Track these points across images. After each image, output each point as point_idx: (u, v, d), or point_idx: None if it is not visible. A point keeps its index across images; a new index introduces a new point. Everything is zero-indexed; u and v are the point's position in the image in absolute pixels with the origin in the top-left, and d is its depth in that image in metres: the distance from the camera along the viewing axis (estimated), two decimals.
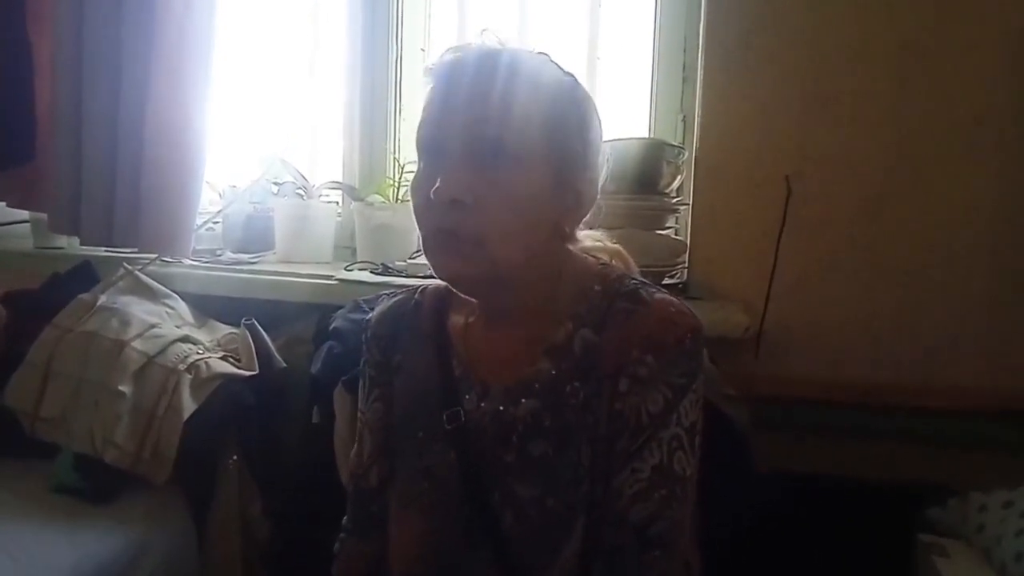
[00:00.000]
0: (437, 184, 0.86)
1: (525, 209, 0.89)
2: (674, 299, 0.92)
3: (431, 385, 0.99)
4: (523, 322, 0.95)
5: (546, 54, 0.94)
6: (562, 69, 0.94)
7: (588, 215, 0.98)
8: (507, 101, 0.87)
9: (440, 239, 0.89)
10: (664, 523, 0.86)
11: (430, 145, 0.91)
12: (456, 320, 1.02)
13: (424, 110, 0.92)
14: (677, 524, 0.87)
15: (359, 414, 1.09)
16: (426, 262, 0.94)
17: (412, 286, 1.11)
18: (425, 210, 0.90)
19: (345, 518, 1.10)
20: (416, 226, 0.92)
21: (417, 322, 1.05)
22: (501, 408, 0.94)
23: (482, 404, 0.95)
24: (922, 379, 1.54)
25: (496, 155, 0.87)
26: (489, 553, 0.92)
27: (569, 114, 0.92)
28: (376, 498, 1.06)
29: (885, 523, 1.42)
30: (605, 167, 0.99)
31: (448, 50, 0.93)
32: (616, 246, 1.09)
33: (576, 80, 0.95)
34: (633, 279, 0.95)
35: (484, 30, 0.94)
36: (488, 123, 0.87)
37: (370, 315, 1.12)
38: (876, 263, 1.56)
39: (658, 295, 0.92)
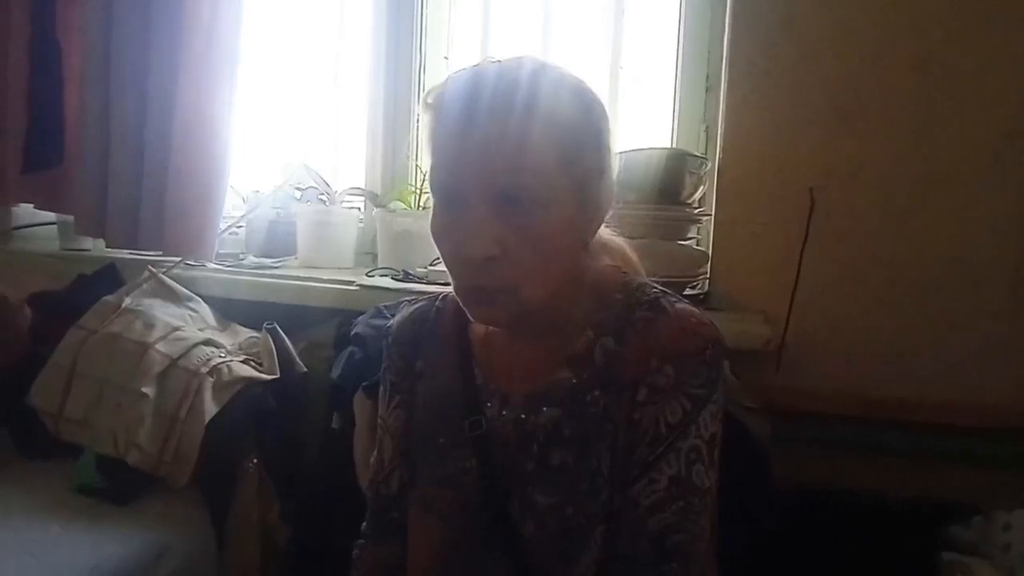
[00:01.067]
0: (463, 239, 0.85)
1: (554, 247, 0.88)
2: (695, 310, 0.91)
3: (453, 392, 1.00)
4: (545, 332, 0.95)
5: (550, 64, 0.90)
6: (566, 81, 0.90)
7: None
8: (525, 147, 0.83)
9: (475, 293, 0.89)
10: (682, 535, 0.85)
11: (448, 193, 0.88)
12: (477, 328, 1.02)
13: (436, 151, 0.89)
14: (695, 537, 0.86)
15: (379, 420, 1.09)
16: (445, 269, 0.93)
17: (433, 293, 1.11)
18: (453, 262, 0.89)
19: (364, 525, 1.10)
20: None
21: (438, 329, 1.05)
22: (522, 416, 0.94)
23: (503, 412, 0.96)
24: (945, 395, 1.52)
25: (521, 204, 0.84)
26: (507, 561, 0.92)
27: (585, 133, 0.89)
28: (396, 504, 1.06)
29: (907, 541, 1.40)
30: (617, 164, 0.97)
31: (448, 79, 0.90)
32: (619, 241, 1.06)
33: (583, 88, 0.91)
34: (654, 287, 0.95)
35: (486, 58, 0.91)
36: (510, 175, 0.84)
37: (390, 322, 1.12)
38: (900, 277, 1.55)
39: (679, 305, 0.91)
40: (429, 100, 0.91)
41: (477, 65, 0.90)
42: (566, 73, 0.91)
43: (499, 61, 0.90)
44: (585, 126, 0.90)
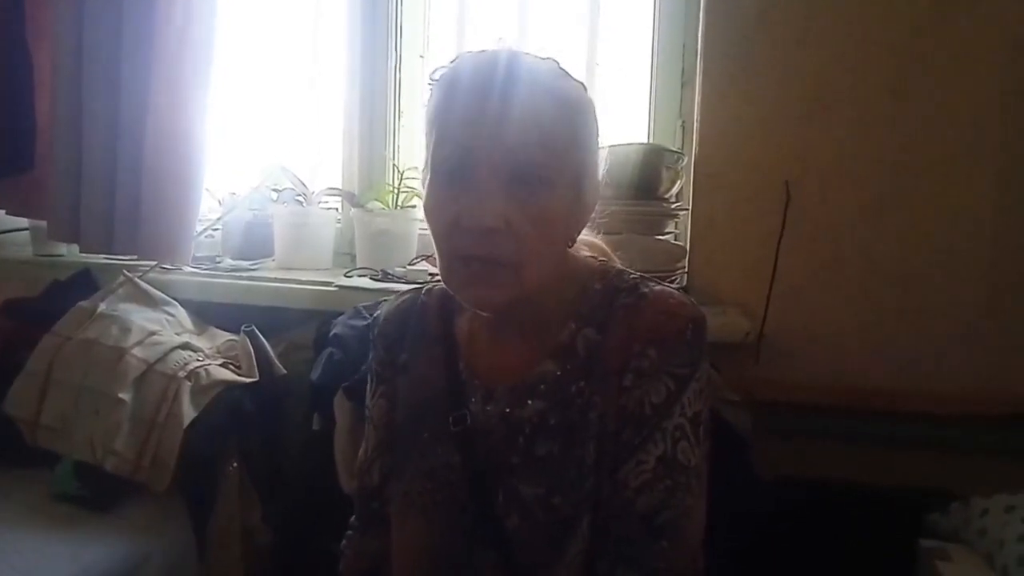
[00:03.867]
0: (467, 210, 0.85)
1: (554, 230, 0.89)
2: (674, 291, 0.93)
3: (437, 387, 1.00)
4: (528, 325, 0.96)
5: (555, 60, 0.93)
6: (571, 74, 0.93)
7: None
8: (543, 124, 0.86)
9: (473, 268, 0.87)
10: (670, 513, 0.86)
11: (454, 167, 0.87)
12: (461, 323, 1.02)
13: (444, 126, 0.89)
14: (684, 514, 0.87)
15: (366, 411, 1.10)
16: (424, 268, 0.94)
17: (418, 286, 1.11)
18: (450, 235, 0.88)
19: (353, 516, 1.11)
20: (413, 233, 0.91)
21: (423, 323, 1.05)
22: (507, 410, 0.94)
23: (488, 407, 0.96)
24: (923, 384, 1.54)
25: (529, 181, 0.86)
26: (493, 554, 0.92)
27: (585, 128, 0.92)
28: (378, 495, 1.06)
29: (887, 528, 1.42)
30: (602, 167, 0.99)
31: (456, 58, 0.92)
32: (592, 238, 1.07)
33: (584, 87, 0.94)
34: (632, 274, 0.96)
35: (500, 39, 0.93)
36: (527, 150, 0.85)
37: (378, 312, 1.12)
38: (876, 268, 1.56)
39: (657, 288, 0.93)
40: (436, 76, 0.92)
41: (486, 49, 0.91)
42: (568, 70, 0.94)
43: (504, 46, 0.91)
44: (587, 118, 0.93)
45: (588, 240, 1.06)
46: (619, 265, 1.02)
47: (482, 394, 0.97)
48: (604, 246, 1.08)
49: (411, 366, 1.04)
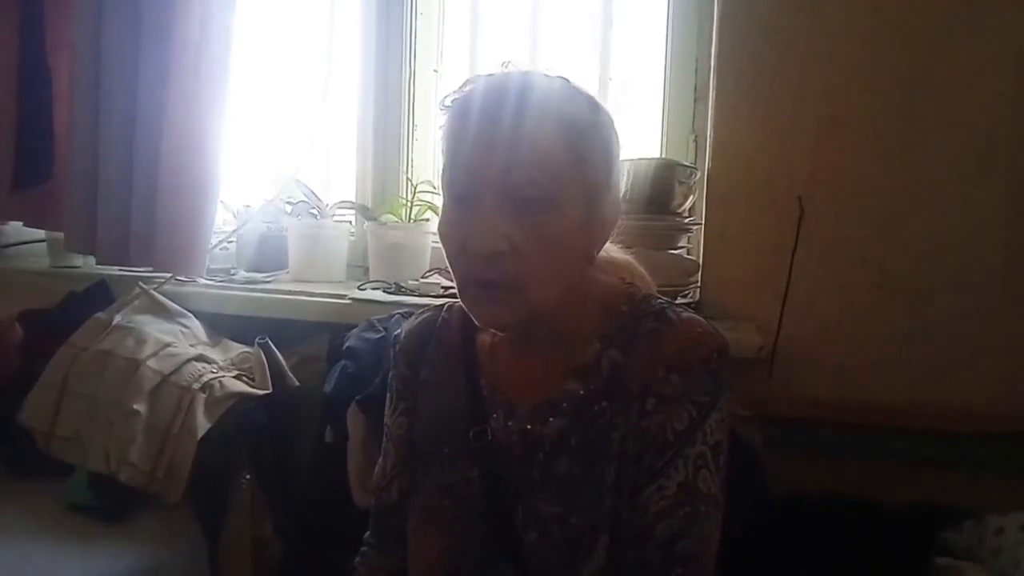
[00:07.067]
0: (472, 233, 0.86)
1: (562, 249, 0.89)
2: (700, 319, 0.93)
3: (458, 403, 1.00)
4: (551, 343, 0.96)
5: (565, 78, 0.93)
6: (582, 92, 0.93)
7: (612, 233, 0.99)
8: (539, 146, 0.86)
9: (480, 290, 0.89)
10: (689, 540, 0.87)
11: (460, 191, 0.90)
12: (483, 339, 1.03)
13: (449, 150, 0.91)
14: (702, 542, 0.88)
15: (384, 427, 1.10)
16: (437, 281, 0.94)
17: (439, 303, 1.12)
18: (460, 258, 0.90)
19: (367, 532, 1.11)
20: (427, 246, 0.91)
21: (444, 339, 1.06)
22: (528, 427, 0.95)
23: (509, 423, 0.96)
24: (936, 400, 1.53)
25: (532, 203, 0.86)
26: (510, 571, 0.93)
27: (595, 143, 0.91)
28: (397, 512, 1.06)
29: (900, 545, 1.41)
30: (624, 181, 0.99)
31: (466, 82, 0.93)
32: (626, 258, 1.08)
33: (596, 102, 0.94)
34: (659, 299, 0.97)
35: (506, 62, 0.94)
36: (523, 171, 0.85)
37: (399, 330, 1.13)
38: (889, 283, 1.56)
39: (684, 315, 0.93)
40: (447, 102, 0.94)
41: (492, 73, 0.93)
42: (580, 87, 0.94)
43: (515, 68, 0.93)
44: (595, 136, 0.92)
45: (623, 262, 1.06)
46: (654, 287, 1.04)
47: (504, 410, 0.97)
48: (639, 268, 1.07)
49: (432, 382, 1.05)
